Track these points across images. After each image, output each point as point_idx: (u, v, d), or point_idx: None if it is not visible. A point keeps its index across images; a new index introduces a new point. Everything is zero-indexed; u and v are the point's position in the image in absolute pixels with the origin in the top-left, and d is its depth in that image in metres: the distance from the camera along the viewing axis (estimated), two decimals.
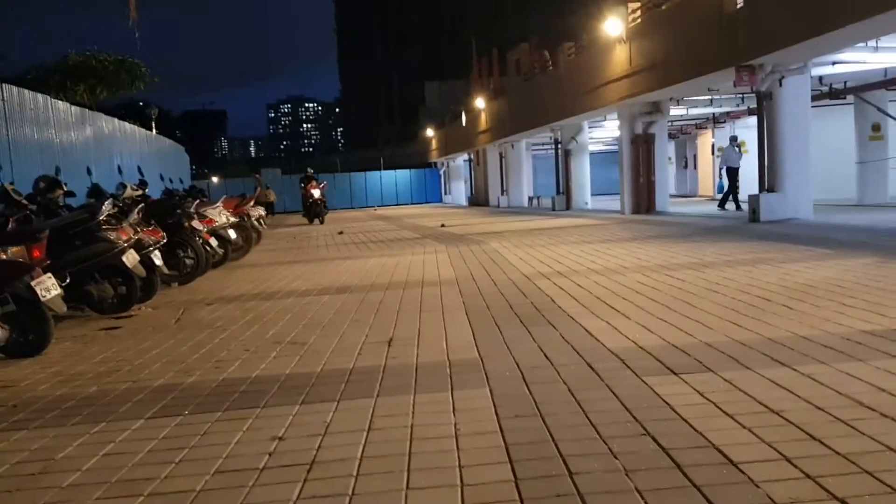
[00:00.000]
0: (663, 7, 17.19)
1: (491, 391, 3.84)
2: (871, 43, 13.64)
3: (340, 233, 20.05)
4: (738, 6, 13.75)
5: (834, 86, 18.03)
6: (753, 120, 17.67)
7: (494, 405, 3.59)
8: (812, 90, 15.82)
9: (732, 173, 19.85)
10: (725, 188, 20.41)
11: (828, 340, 4.47)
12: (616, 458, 2.82)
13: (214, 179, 52.94)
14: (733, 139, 20.44)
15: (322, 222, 26.26)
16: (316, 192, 27.01)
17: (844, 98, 18.75)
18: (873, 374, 3.69)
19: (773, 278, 7.09)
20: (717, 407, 3.34)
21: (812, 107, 15.61)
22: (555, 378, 4.02)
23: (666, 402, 3.45)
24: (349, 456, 3.01)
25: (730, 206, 19.74)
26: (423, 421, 3.42)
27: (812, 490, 2.44)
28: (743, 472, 2.61)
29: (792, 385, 3.60)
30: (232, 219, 12.00)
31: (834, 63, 15.11)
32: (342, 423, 3.46)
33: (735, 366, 4.03)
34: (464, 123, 40.69)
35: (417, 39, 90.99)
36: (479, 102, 36.47)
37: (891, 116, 18.52)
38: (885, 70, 16.48)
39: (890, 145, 18.85)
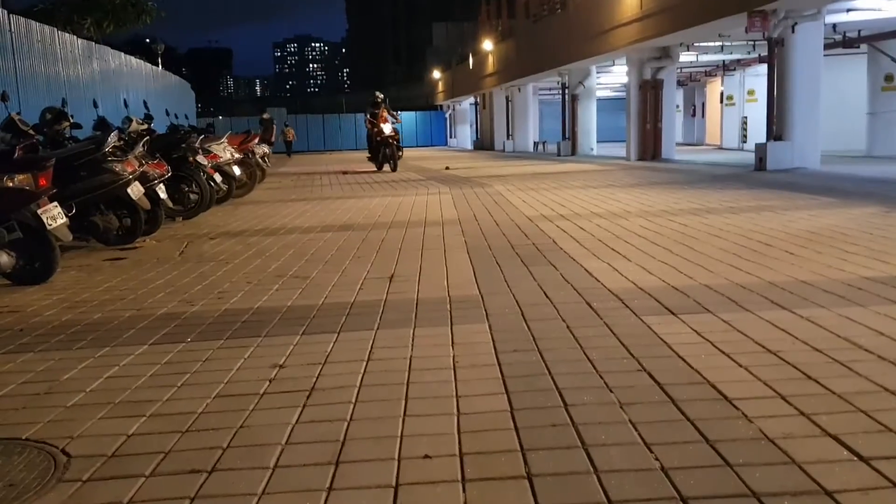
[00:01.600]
0: None
1: (490, 326, 3.87)
2: None
3: (344, 173, 19.99)
4: None
5: (848, 34, 17.69)
6: (764, 68, 17.38)
7: (493, 340, 3.62)
8: (825, 38, 15.55)
9: None
10: None
11: (828, 285, 4.48)
12: (611, 391, 2.86)
13: (220, 117, 52.66)
14: None
15: (395, 168, 19.28)
16: (387, 128, 19.10)
17: (858, 47, 18.43)
18: (873, 319, 3.71)
19: (776, 225, 7.08)
20: (715, 346, 3.37)
21: (824, 55, 15.36)
22: (554, 315, 4.05)
23: (663, 341, 3.47)
24: (348, 384, 3.05)
25: None
26: (422, 353, 3.45)
27: (805, 426, 2.47)
28: (737, 408, 2.64)
29: (790, 327, 3.62)
30: (236, 155, 11.95)
31: (848, 10, 14.83)
32: (342, 353, 3.50)
33: (734, 308, 4.05)
34: (471, 66, 40.18)
35: None
36: (487, 45, 35.96)
37: None
38: None
39: None
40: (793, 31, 13.93)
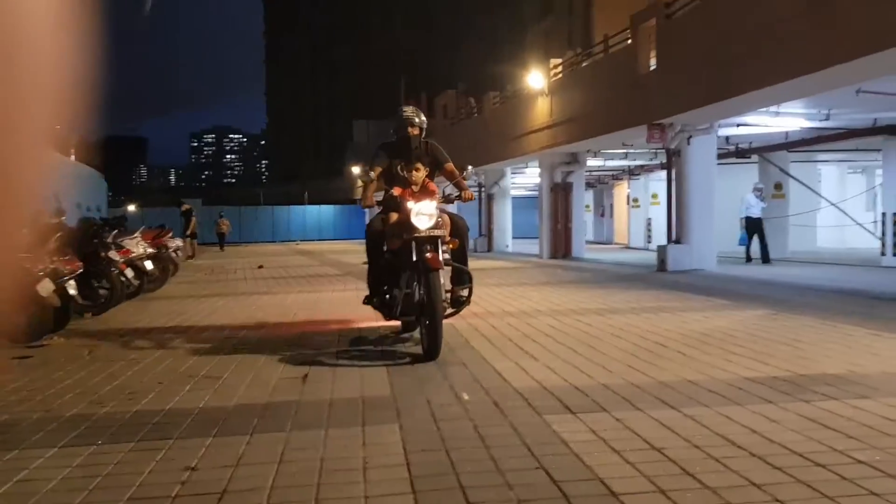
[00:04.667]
0: (583, 65, 17.99)
1: (401, 426, 4.04)
2: (773, 108, 14.58)
3: (260, 266, 19.95)
4: (651, 69, 14.54)
5: (740, 145, 19.06)
6: (665, 174, 18.50)
7: (403, 440, 3.79)
8: (720, 149, 16.72)
9: (753, 224, 17.32)
10: (748, 241, 17.45)
11: (713, 385, 4.84)
12: (511, 488, 3.06)
13: (132, 207, 51.73)
14: (758, 187, 17.78)
15: (432, 352, 5.90)
16: (422, 213, 6.05)
17: (750, 157, 19.83)
18: (748, 417, 4.05)
19: (672, 326, 7.53)
20: (607, 444, 3.63)
21: (720, 164, 16.48)
22: (462, 415, 4.25)
23: (561, 439, 3.72)
24: (260, 486, 3.16)
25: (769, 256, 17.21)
26: (333, 454, 3.59)
27: None
28: (621, 503, 2.88)
29: (675, 425, 3.92)
30: (150, 250, 11.92)
31: (738, 125, 16.03)
32: (254, 454, 3.60)
33: (627, 406, 4.34)
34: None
35: (347, 75, 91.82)
36: None
37: (791, 176, 19.70)
38: (787, 133, 17.54)
39: (791, 203, 20.00)
40: (688, 143, 14.96)
